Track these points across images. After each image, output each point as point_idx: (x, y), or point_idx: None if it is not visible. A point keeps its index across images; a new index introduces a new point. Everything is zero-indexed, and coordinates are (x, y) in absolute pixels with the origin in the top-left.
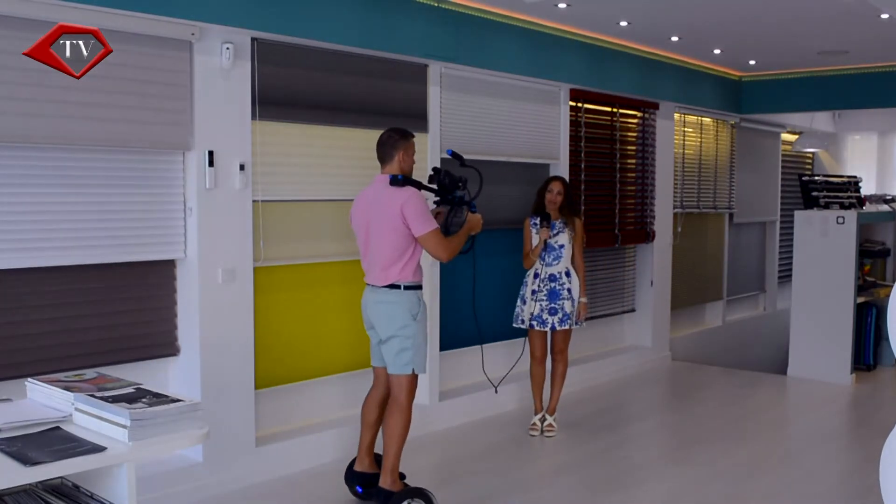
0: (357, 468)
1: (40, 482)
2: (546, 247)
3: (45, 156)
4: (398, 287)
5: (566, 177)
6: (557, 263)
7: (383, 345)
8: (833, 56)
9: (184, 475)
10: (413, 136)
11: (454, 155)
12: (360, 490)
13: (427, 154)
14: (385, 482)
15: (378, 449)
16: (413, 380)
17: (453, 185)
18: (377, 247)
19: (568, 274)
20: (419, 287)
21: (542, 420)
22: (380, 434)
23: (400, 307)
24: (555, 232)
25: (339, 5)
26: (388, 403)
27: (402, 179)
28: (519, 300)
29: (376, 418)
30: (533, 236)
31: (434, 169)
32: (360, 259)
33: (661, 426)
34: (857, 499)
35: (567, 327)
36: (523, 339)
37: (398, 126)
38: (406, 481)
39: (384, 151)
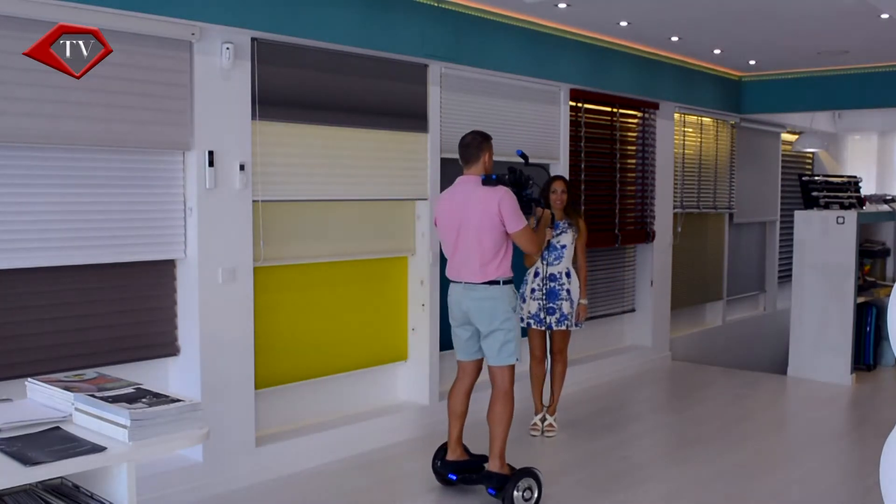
0: (450, 458)
1: (40, 482)
2: (548, 246)
3: (45, 156)
4: (497, 283)
5: (566, 177)
6: (558, 263)
7: (484, 339)
8: (833, 56)
9: (184, 475)
10: (491, 138)
11: (522, 155)
12: (453, 477)
13: (427, 154)
14: (494, 466)
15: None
16: (513, 368)
17: (525, 183)
18: (474, 245)
19: (568, 274)
20: (512, 281)
21: (543, 420)
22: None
23: (502, 302)
24: (558, 231)
25: (339, 5)
26: (493, 394)
27: (496, 179)
28: (518, 298)
29: (464, 409)
30: None
31: (510, 168)
32: (357, 259)
33: (661, 426)
34: (857, 499)
35: (564, 328)
36: (521, 340)
37: (476, 131)
38: (515, 466)
39: (470, 153)
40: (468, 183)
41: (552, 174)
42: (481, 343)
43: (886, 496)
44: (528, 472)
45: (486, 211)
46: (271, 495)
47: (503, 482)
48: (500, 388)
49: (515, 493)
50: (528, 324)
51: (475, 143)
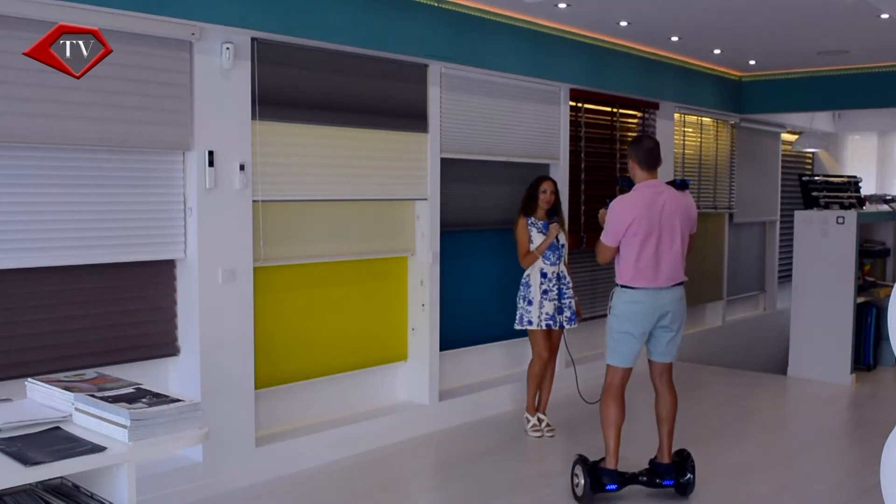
0: (614, 466)
1: (40, 482)
2: (552, 246)
3: (46, 156)
4: (684, 283)
5: (566, 177)
6: (560, 262)
7: (673, 337)
8: (833, 56)
9: (184, 475)
10: None
11: (682, 183)
12: (615, 487)
13: (427, 154)
14: (668, 458)
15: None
16: None
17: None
18: (678, 248)
19: (565, 273)
20: None
21: (539, 420)
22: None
23: (685, 300)
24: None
25: (339, 5)
26: (668, 391)
27: (689, 183)
28: (522, 301)
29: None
30: (535, 235)
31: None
32: (357, 259)
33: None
34: (857, 499)
35: (575, 325)
36: (521, 339)
37: (653, 136)
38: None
39: (656, 158)
40: (659, 187)
41: (550, 174)
42: (667, 342)
43: (886, 496)
44: (689, 453)
45: (687, 214)
46: (271, 495)
47: (676, 470)
48: (672, 382)
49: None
50: (549, 325)
51: (658, 149)
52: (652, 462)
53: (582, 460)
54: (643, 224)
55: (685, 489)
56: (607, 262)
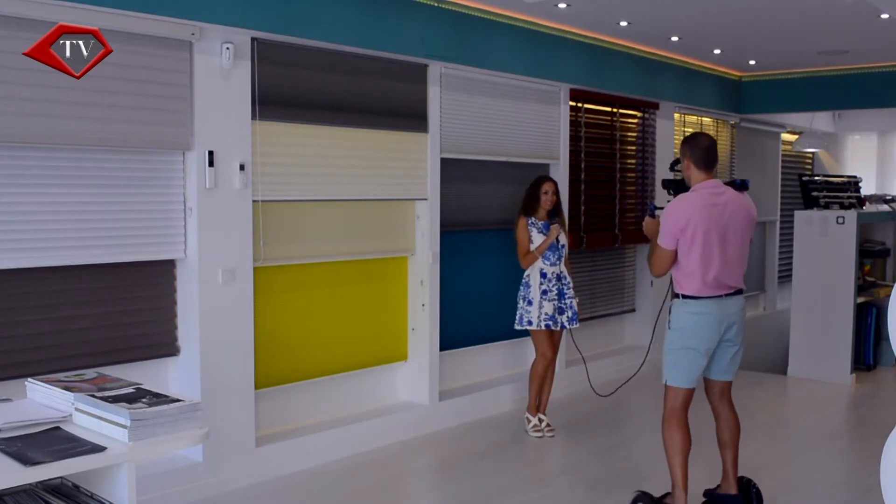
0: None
1: (40, 482)
2: (552, 246)
3: (46, 156)
4: (743, 291)
5: (566, 177)
6: (560, 263)
7: (737, 352)
8: (833, 56)
9: (184, 475)
10: None
11: (743, 184)
12: None
13: (427, 154)
14: (735, 487)
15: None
16: None
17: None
18: (739, 253)
19: (565, 273)
20: None
21: (540, 420)
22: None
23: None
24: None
25: (339, 5)
26: (730, 411)
27: (748, 184)
28: (522, 301)
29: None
30: (535, 235)
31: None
32: (357, 259)
33: (661, 426)
34: (857, 499)
35: (576, 325)
36: (521, 339)
37: (709, 134)
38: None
39: (713, 157)
40: (719, 187)
41: (551, 174)
42: (731, 357)
43: (886, 496)
44: (749, 479)
45: (750, 217)
46: (271, 495)
47: (749, 489)
48: (733, 402)
49: None
50: (548, 325)
51: (715, 146)
52: (711, 493)
53: (646, 497)
54: (704, 227)
55: None
56: (663, 273)
